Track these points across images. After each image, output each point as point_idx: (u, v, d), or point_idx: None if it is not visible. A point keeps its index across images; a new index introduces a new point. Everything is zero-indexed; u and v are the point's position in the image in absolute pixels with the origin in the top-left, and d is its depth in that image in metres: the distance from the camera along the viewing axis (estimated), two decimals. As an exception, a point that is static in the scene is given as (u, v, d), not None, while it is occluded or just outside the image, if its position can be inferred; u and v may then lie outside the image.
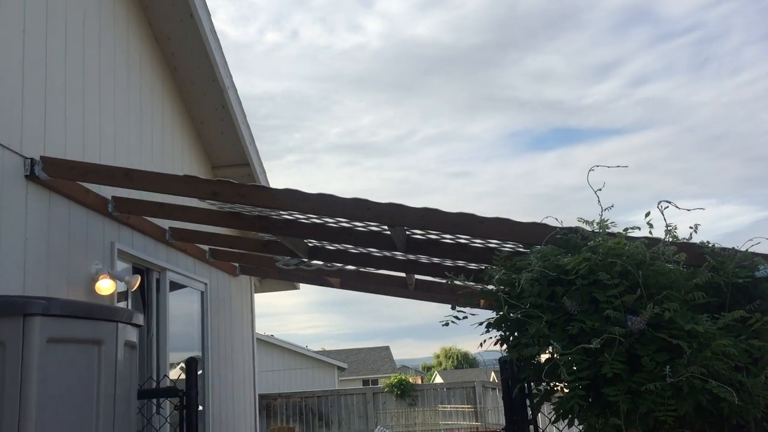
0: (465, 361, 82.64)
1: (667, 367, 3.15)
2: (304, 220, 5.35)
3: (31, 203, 4.49)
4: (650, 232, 3.95)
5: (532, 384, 3.92)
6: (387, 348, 53.06)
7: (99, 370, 3.27)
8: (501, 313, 3.76)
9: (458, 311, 3.89)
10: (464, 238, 5.05)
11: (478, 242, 5.08)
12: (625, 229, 3.97)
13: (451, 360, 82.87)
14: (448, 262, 6.25)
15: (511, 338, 3.75)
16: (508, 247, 4.77)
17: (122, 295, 6.01)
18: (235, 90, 7.48)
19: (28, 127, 4.51)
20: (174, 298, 7.18)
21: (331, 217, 4.96)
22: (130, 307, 6.08)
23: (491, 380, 52.14)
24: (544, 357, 3.71)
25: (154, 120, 6.77)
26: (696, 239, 3.95)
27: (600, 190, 3.84)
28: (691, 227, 4.00)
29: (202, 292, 7.93)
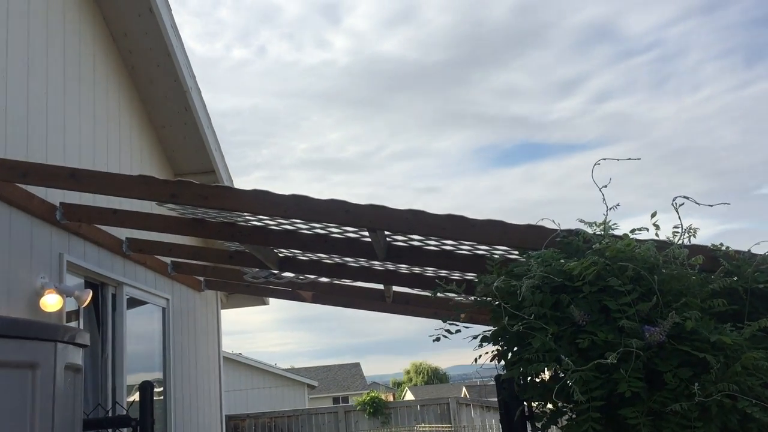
0: (435, 377, 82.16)
1: (695, 384, 2.75)
2: (274, 227, 4.89)
3: (-37, 208, 3.96)
4: (656, 234, 3.58)
5: (533, 405, 3.50)
6: (357, 365, 52.39)
7: (33, 398, 2.76)
8: (498, 325, 3.34)
9: (450, 324, 3.46)
10: (450, 245, 4.63)
11: (465, 249, 4.67)
12: (632, 230, 3.59)
13: (421, 375, 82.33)
14: (430, 272, 5.83)
15: (509, 353, 3.33)
16: (498, 253, 4.36)
17: (74, 314, 5.47)
18: (199, 91, 7.00)
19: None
20: (132, 316, 6.64)
21: (304, 222, 4.51)
22: (82, 326, 5.54)
23: (463, 395, 51.83)
24: (547, 374, 3.30)
25: (109, 122, 6.26)
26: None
27: (606, 186, 3.47)
28: (689, 231, 3.64)
29: (163, 309, 7.38)
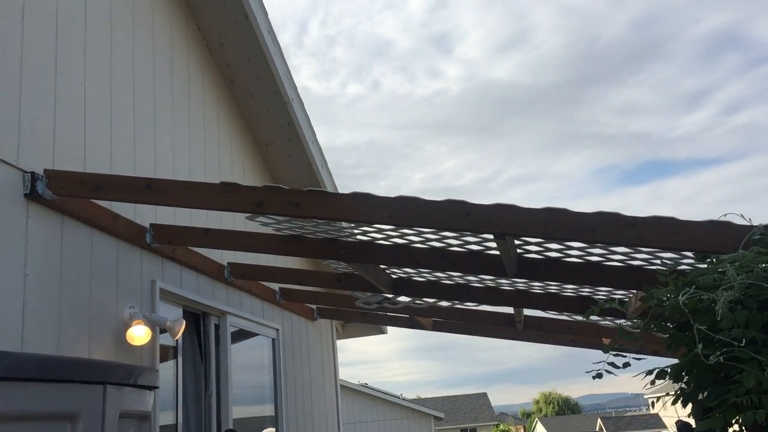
0: (566, 407, 78.55)
1: None
2: (382, 241, 4.19)
3: (34, 230, 3.51)
4: None
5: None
6: (484, 395, 50.78)
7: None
8: (681, 355, 2.44)
9: (616, 355, 2.58)
10: (597, 254, 3.73)
11: (616, 258, 3.76)
12: None
13: (551, 405, 79.02)
14: (569, 291, 4.91)
15: (702, 394, 2.41)
16: (665, 260, 3.43)
17: (172, 348, 4.98)
18: (301, 102, 6.47)
19: (29, 133, 3.57)
20: (239, 347, 6.12)
21: (417, 233, 3.77)
22: (180, 361, 5.04)
23: (598, 428, 48.85)
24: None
25: (207, 139, 5.82)
26: None
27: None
28: None
29: (273, 339, 6.85)
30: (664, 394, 2.61)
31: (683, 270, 2.96)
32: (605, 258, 3.82)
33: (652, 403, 2.76)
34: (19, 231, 3.42)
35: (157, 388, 2.81)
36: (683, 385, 2.50)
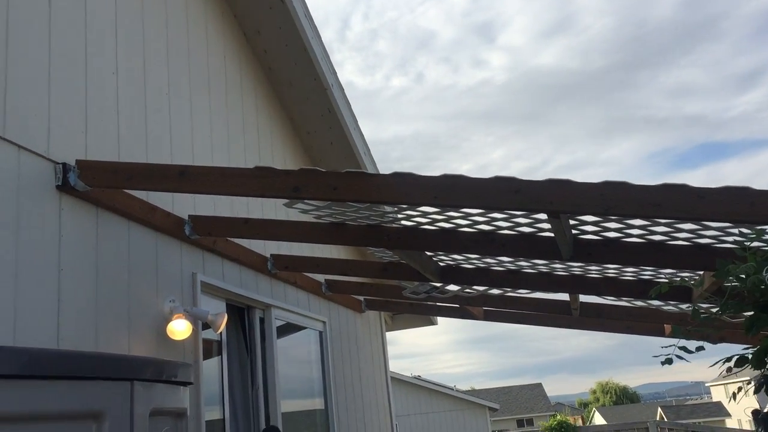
0: (624, 396, 77.05)
1: None
2: (428, 226, 3.98)
3: (68, 222, 3.41)
4: None
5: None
6: (539, 385, 50.15)
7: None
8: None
9: (687, 340, 2.32)
10: (661, 232, 3.45)
11: (683, 237, 3.47)
12: None
13: (609, 395, 77.64)
14: (628, 275, 4.62)
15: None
16: (742, 231, 3.13)
17: (216, 342, 4.88)
18: (341, 88, 6.29)
19: (59, 124, 3.47)
20: (285, 340, 6.00)
21: (464, 216, 3.55)
22: (225, 356, 4.93)
23: (658, 418, 47.76)
24: None
25: (246, 129, 5.70)
26: None
27: None
28: None
29: (320, 332, 6.71)
30: (725, 382, 2.35)
31: (760, 246, 2.67)
32: (670, 237, 3.53)
33: (734, 394, 2.48)
34: (52, 224, 3.32)
35: (190, 384, 2.66)
36: (766, 372, 2.23)
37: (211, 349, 4.85)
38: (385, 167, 6.86)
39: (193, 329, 4.16)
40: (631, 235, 3.62)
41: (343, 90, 6.35)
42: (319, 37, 5.90)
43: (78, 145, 3.58)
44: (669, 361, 2.34)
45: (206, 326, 4.52)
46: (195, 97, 4.92)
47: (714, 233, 3.31)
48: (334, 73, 6.22)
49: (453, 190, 2.93)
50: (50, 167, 3.35)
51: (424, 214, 3.69)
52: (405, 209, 3.56)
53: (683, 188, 2.72)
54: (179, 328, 4.02)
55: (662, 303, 5.03)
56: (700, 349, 2.33)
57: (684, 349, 2.33)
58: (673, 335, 2.37)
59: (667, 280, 4.48)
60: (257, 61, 6.03)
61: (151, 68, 4.42)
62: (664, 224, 3.25)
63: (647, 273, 4.46)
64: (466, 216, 3.59)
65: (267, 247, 5.53)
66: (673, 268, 3.98)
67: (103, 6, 4.01)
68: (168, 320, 4.07)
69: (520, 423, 44.65)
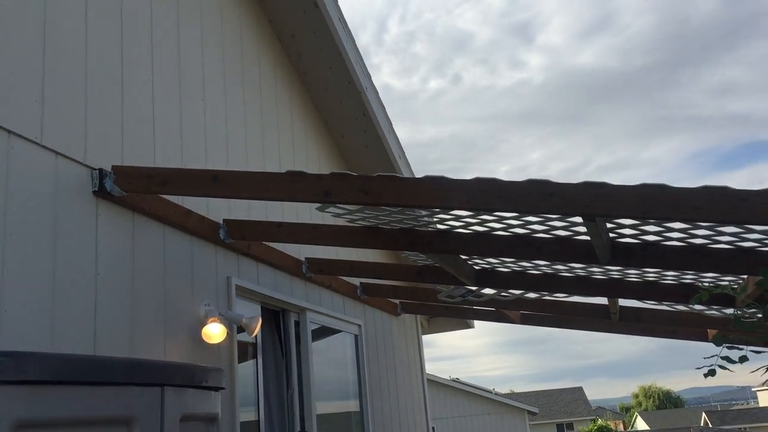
0: (668, 401, 75.59)
1: None
2: (461, 230, 3.93)
3: (104, 227, 3.46)
4: None
5: None
6: (580, 389, 49.46)
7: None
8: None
9: (730, 348, 2.24)
10: (702, 235, 3.36)
11: (725, 240, 3.37)
12: None
13: (651, 399, 76.28)
14: (669, 279, 4.51)
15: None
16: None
17: (251, 346, 4.90)
18: (375, 91, 6.28)
19: (96, 130, 3.52)
20: (320, 344, 6.01)
21: (498, 220, 3.50)
22: (260, 359, 4.95)
23: (702, 423, 46.68)
24: None
25: (280, 132, 5.72)
26: None
27: None
28: None
29: (355, 336, 6.71)
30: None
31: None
32: (711, 240, 3.43)
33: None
34: (89, 229, 3.37)
35: (222, 388, 2.67)
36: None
37: (246, 351, 4.88)
38: (423, 169, 6.84)
39: (227, 333, 4.18)
40: (670, 239, 3.53)
41: (378, 93, 6.35)
42: (353, 40, 5.91)
43: (114, 150, 3.63)
44: (712, 373, 2.26)
45: (241, 330, 4.55)
46: (229, 101, 4.96)
47: (758, 236, 3.20)
48: (369, 76, 6.21)
49: (486, 194, 2.88)
50: (87, 173, 3.40)
51: (458, 218, 3.65)
52: (438, 212, 3.52)
53: (724, 190, 2.64)
54: (214, 332, 4.05)
55: (705, 308, 4.90)
56: (743, 359, 2.25)
57: (727, 359, 2.25)
58: (715, 343, 2.29)
59: (710, 284, 4.36)
60: (291, 65, 6.05)
61: (186, 74, 4.46)
62: (705, 227, 3.16)
63: (689, 277, 4.34)
64: (500, 219, 3.54)
65: (302, 251, 5.54)
66: (715, 273, 3.87)
67: (138, 12, 4.06)
68: (203, 324, 4.10)
69: (560, 427, 44.08)
